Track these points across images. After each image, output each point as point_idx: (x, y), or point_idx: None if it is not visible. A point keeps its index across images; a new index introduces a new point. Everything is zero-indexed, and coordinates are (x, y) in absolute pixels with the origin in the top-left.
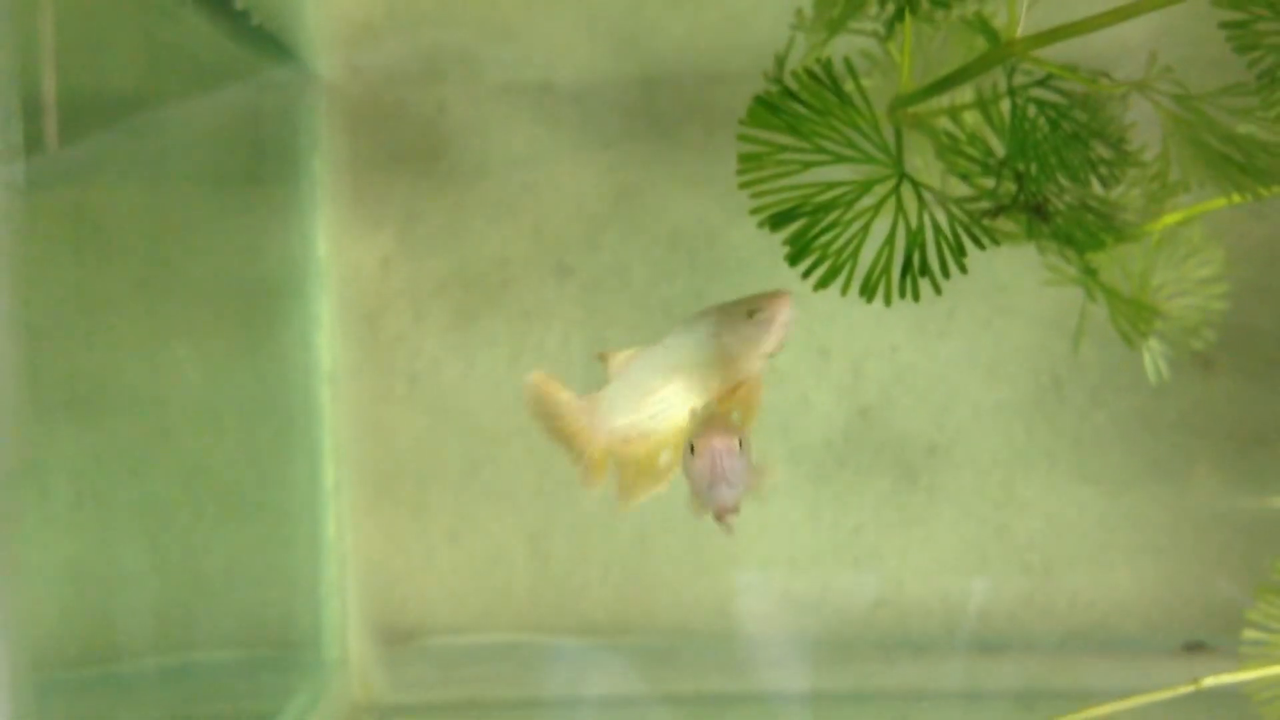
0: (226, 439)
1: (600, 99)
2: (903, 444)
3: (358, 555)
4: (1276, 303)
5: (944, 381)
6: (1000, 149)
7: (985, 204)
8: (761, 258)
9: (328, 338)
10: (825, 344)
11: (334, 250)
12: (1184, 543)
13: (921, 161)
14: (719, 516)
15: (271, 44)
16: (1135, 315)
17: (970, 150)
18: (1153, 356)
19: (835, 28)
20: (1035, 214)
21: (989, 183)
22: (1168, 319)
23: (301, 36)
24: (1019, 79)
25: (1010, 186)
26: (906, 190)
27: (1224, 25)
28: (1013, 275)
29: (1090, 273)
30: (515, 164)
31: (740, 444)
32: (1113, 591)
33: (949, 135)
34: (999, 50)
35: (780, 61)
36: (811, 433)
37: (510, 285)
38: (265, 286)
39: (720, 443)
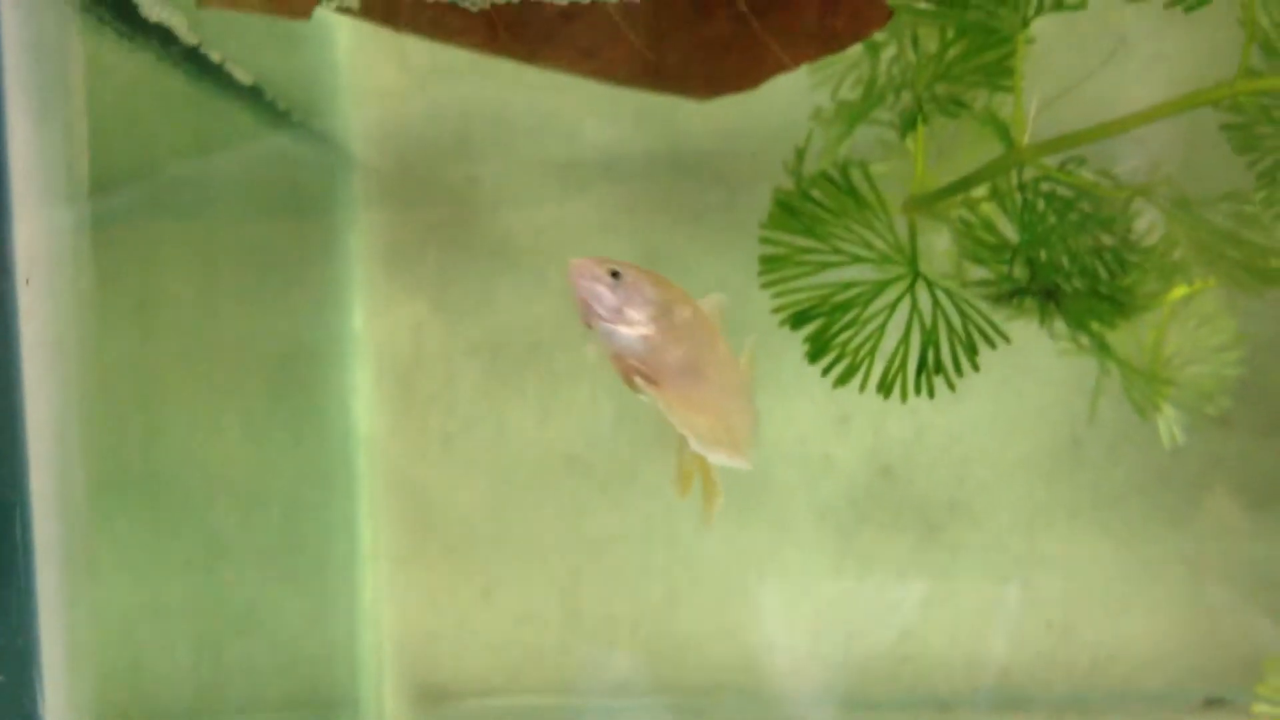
0: (268, 504)
1: (626, 170)
2: (924, 501)
3: (394, 615)
4: None
5: (964, 440)
6: (1013, 234)
7: (1000, 288)
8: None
9: (364, 403)
10: (845, 407)
11: (370, 319)
12: (1204, 598)
13: (935, 247)
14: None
15: (310, 133)
16: (1149, 387)
17: (984, 236)
18: (1167, 424)
19: (853, 123)
20: (1047, 298)
21: (1003, 268)
22: (1182, 386)
23: (338, 124)
24: (1028, 173)
25: (1023, 272)
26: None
27: (1225, 128)
28: (1030, 336)
29: (1103, 347)
30: (543, 230)
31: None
32: (1133, 646)
33: (963, 222)
34: (1008, 157)
35: (800, 155)
36: (835, 491)
37: (540, 347)
38: (305, 356)
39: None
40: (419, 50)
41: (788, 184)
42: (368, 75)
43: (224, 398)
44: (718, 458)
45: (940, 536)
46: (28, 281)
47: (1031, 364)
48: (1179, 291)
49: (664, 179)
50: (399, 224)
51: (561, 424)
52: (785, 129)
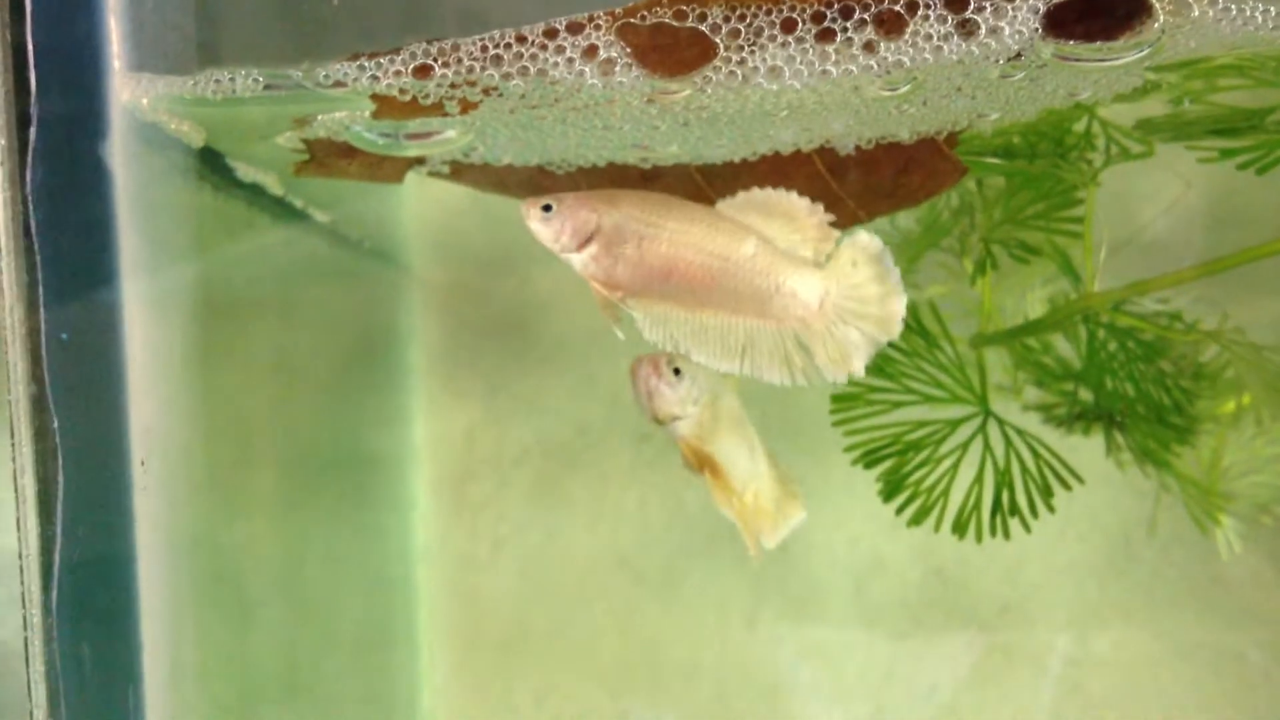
0: (339, 620)
1: None
2: (977, 603)
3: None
4: None
5: (1015, 541)
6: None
7: (1065, 413)
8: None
9: (422, 516)
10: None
11: (426, 428)
12: (1254, 700)
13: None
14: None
15: (377, 255)
16: (1208, 503)
17: (1047, 361)
18: (1225, 535)
19: (917, 255)
20: (1111, 424)
21: (1067, 393)
22: (1238, 496)
23: (400, 243)
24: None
25: (1086, 397)
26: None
27: None
28: (1081, 437)
29: (1164, 465)
30: (592, 335)
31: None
32: None
33: (1026, 347)
34: (1077, 303)
35: None
36: (887, 593)
37: (589, 451)
38: (369, 468)
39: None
40: None
41: None
42: (427, 190)
43: (303, 513)
44: (764, 533)
45: (993, 638)
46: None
47: (1082, 464)
48: (1230, 406)
49: None
50: (454, 333)
51: (611, 527)
52: None
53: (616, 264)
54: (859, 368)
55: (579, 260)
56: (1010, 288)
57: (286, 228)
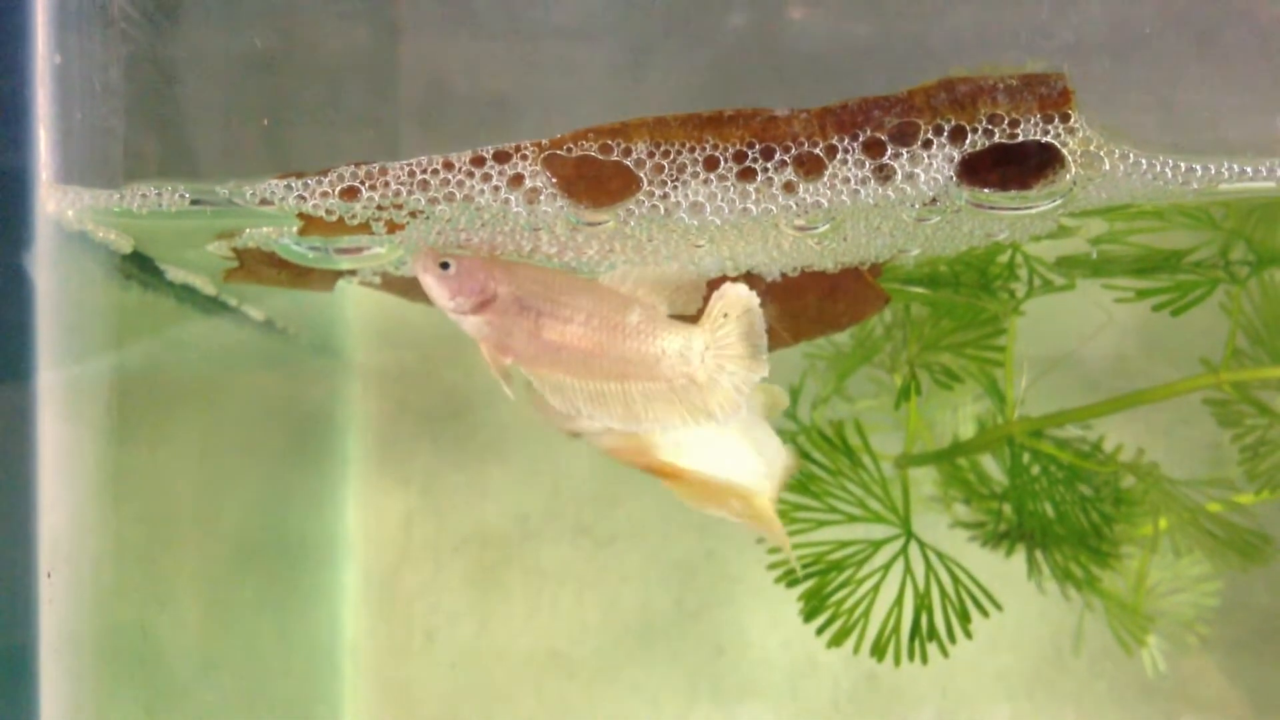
0: (254, 704)
1: None
2: (908, 710)
3: None
4: (1267, 579)
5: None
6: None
7: (988, 531)
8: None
9: (352, 606)
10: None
11: (361, 513)
12: None
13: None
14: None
15: (315, 348)
16: (1132, 623)
17: (971, 480)
18: (1150, 653)
19: (844, 375)
20: (1032, 544)
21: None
22: (1164, 614)
23: (340, 336)
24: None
25: (1010, 516)
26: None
27: (1206, 401)
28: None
29: (1088, 584)
30: (534, 424)
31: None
32: None
33: (952, 466)
34: (1000, 429)
35: (794, 395)
36: (820, 695)
37: (528, 542)
38: (298, 553)
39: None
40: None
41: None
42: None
43: (226, 604)
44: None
45: None
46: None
47: (1015, 573)
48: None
49: None
50: (393, 420)
51: (547, 622)
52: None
53: (511, 333)
54: (740, 406)
55: (472, 324)
56: (941, 403)
57: (219, 320)
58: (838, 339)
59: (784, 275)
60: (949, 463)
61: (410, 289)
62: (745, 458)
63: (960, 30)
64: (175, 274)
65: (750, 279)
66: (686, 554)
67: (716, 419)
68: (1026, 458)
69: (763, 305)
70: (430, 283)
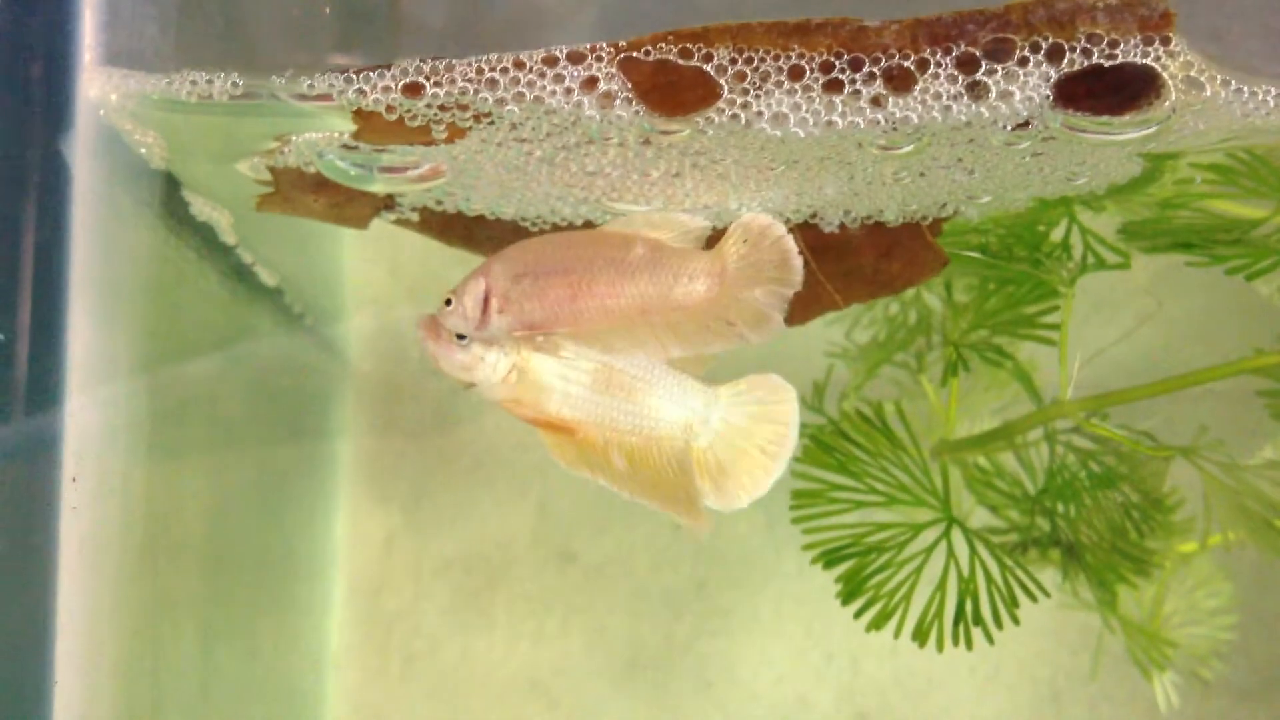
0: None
1: None
2: None
3: None
4: (1267, 625)
5: (942, 687)
6: (1032, 485)
7: (1018, 539)
8: (764, 551)
9: (337, 622)
10: (824, 648)
11: (348, 527)
12: None
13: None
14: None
15: (317, 338)
16: (1151, 647)
17: (1000, 485)
18: (1163, 686)
19: (877, 363)
20: (1066, 552)
21: (1020, 517)
22: (1177, 647)
23: (340, 331)
24: (1061, 424)
25: (1042, 523)
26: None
27: (1260, 393)
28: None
29: (1111, 604)
30: (522, 445)
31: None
32: None
33: (979, 468)
34: (1051, 409)
35: (820, 391)
36: None
37: (512, 567)
38: (288, 564)
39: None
40: (410, 262)
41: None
42: (366, 285)
43: (218, 610)
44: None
45: None
46: (74, 480)
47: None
48: (1188, 548)
49: None
50: (383, 432)
51: (529, 650)
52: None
53: (523, 305)
54: (778, 319)
55: (496, 329)
56: (965, 408)
57: (234, 287)
58: (858, 339)
59: (842, 227)
60: (974, 465)
61: (447, 229)
62: (664, 408)
63: None
64: (200, 208)
65: (805, 231)
66: (677, 584)
67: (747, 338)
68: (1070, 457)
69: (820, 256)
70: (442, 351)
